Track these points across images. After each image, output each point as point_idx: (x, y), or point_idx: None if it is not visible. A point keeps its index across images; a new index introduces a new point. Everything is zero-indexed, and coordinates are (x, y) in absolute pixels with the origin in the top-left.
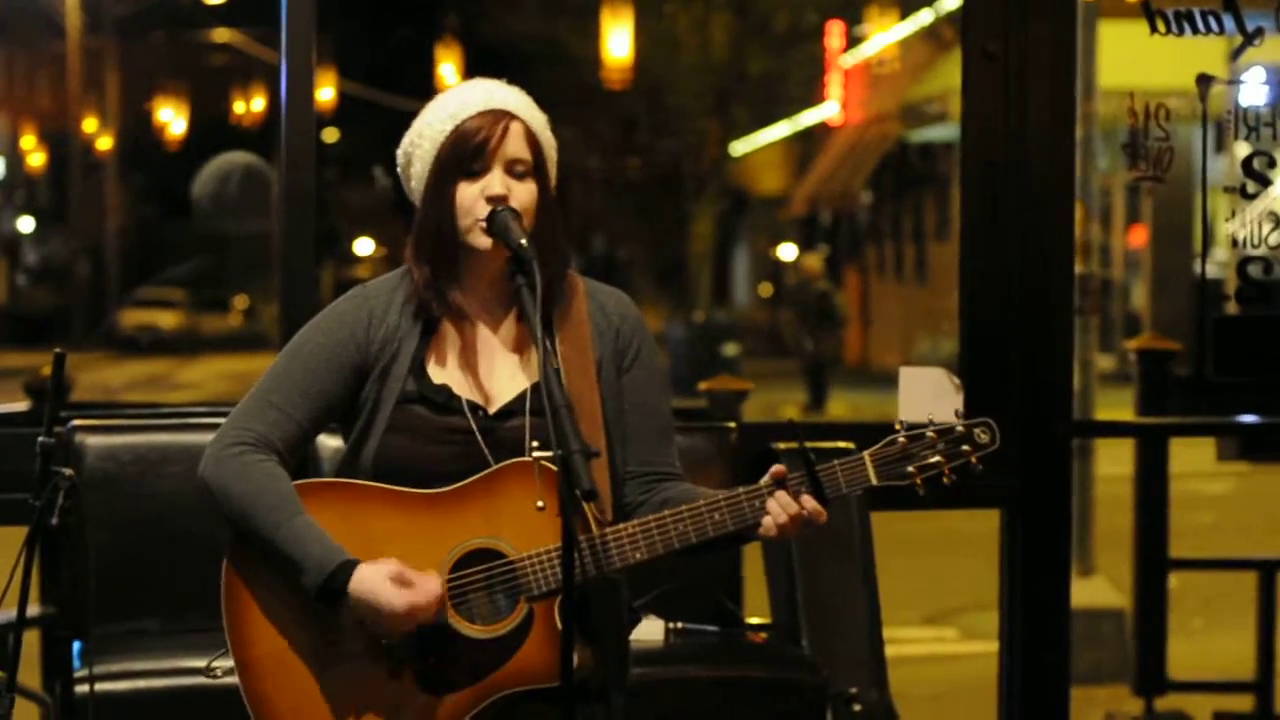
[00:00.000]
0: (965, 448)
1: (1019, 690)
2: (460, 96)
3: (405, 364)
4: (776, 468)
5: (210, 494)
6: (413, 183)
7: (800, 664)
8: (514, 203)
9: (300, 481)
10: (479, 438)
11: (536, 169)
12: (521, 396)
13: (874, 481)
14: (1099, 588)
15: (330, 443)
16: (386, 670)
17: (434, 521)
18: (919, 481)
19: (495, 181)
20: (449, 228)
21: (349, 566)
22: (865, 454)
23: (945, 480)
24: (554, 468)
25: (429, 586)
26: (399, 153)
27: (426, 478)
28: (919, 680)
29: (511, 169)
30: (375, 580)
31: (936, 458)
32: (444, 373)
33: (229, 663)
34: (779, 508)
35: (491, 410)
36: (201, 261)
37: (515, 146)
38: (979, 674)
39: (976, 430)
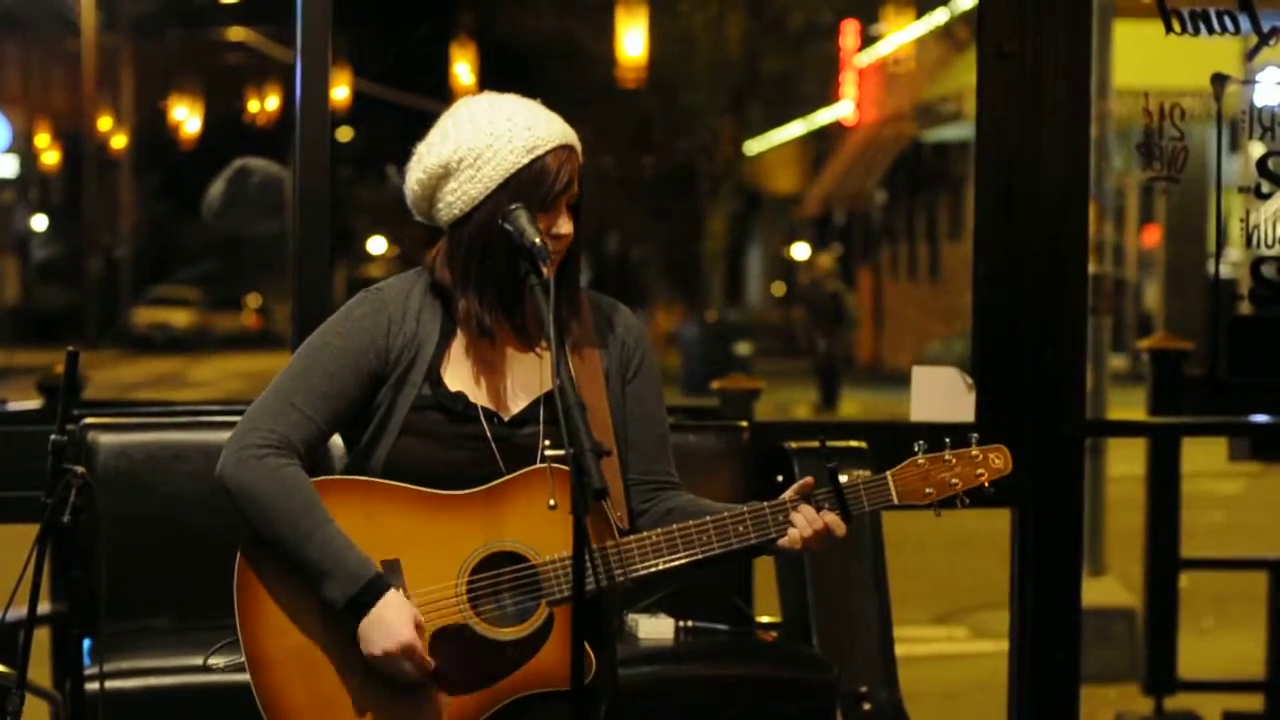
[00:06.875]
0: (980, 472)
1: (1029, 689)
2: (532, 128)
3: (422, 370)
4: (805, 480)
5: (229, 494)
6: (449, 197)
7: (810, 663)
8: (569, 232)
9: (320, 479)
10: (493, 445)
11: None
12: (536, 403)
13: (895, 501)
14: (1110, 587)
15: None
16: None
17: (454, 524)
18: (935, 502)
19: (565, 223)
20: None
21: (381, 583)
22: (888, 475)
23: (959, 504)
24: (565, 468)
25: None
26: (434, 162)
27: (438, 481)
28: (929, 679)
29: (568, 203)
30: (403, 614)
31: (955, 480)
32: (459, 379)
33: (227, 658)
34: (804, 522)
35: (506, 417)
36: (212, 264)
37: (575, 185)
38: (989, 673)
39: (991, 455)
